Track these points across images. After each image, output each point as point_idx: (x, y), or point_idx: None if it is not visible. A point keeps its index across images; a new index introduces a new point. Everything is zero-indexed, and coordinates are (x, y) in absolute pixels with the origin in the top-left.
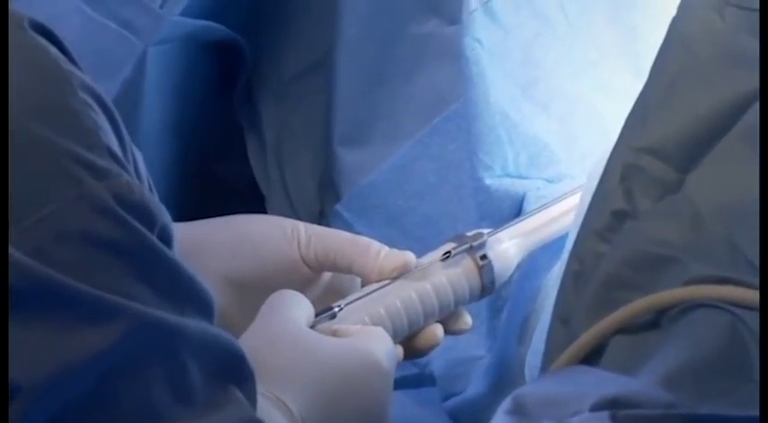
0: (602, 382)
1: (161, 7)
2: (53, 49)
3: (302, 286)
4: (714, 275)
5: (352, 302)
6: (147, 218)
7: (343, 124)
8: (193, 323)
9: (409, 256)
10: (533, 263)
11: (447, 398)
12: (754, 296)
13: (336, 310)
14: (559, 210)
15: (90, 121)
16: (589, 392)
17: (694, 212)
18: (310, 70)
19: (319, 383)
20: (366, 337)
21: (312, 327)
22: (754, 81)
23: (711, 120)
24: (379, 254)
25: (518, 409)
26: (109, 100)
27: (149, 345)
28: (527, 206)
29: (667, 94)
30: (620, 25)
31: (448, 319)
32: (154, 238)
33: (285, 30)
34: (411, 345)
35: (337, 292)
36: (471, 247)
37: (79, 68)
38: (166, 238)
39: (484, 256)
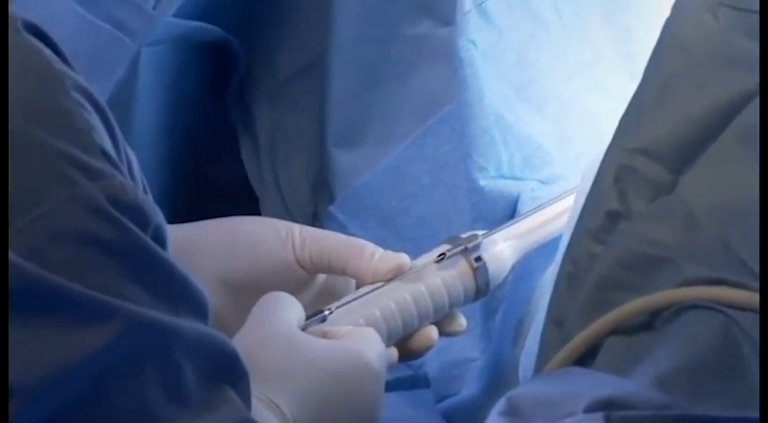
0: (596, 383)
1: (154, 8)
2: (47, 50)
3: (297, 288)
4: (708, 276)
5: (344, 305)
6: (141, 218)
7: (336, 125)
8: (188, 323)
9: (404, 258)
10: (528, 264)
11: (441, 399)
12: (747, 297)
13: (327, 313)
14: (554, 211)
15: (83, 122)
16: (583, 393)
17: (688, 213)
18: (304, 71)
19: (311, 385)
20: (357, 339)
21: (303, 329)
22: (747, 81)
23: (705, 120)
24: (374, 256)
25: (512, 411)
26: (102, 100)
27: (143, 345)
28: (521, 207)
29: (661, 95)
30: (614, 26)
31: (442, 320)
32: (148, 239)
33: (279, 31)
34: (405, 346)
35: (332, 294)
36: (466, 248)
37: (72, 69)
38: (160, 239)
39: (478, 258)
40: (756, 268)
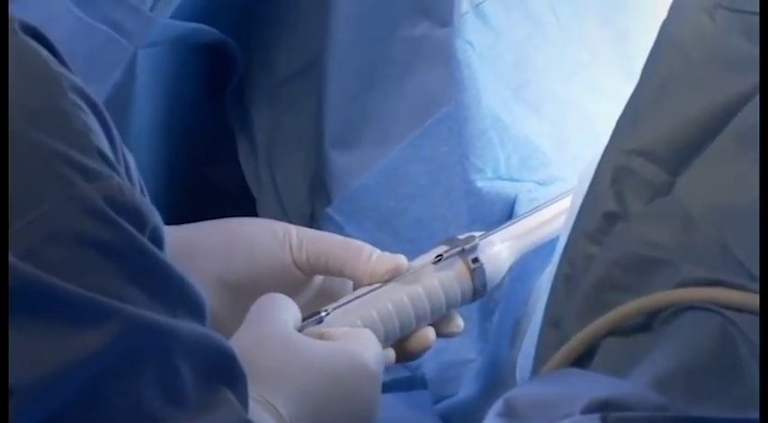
0: (594, 385)
1: (151, 10)
2: (44, 52)
3: (294, 289)
4: (705, 277)
5: (341, 306)
6: (138, 219)
7: (334, 126)
8: (185, 325)
9: (401, 260)
10: (525, 265)
11: (438, 400)
12: (744, 298)
13: (323, 314)
14: (551, 212)
15: (80, 123)
16: (580, 394)
17: (685, 214)
18: (301, 73)
19: (308, 386)
20: (354, 340)
21: (300, 330)
22: (744, 83)
23: (702, 122)
24: (371, 257)
25: (509, 412)
26: (100, 102)
27: (141, 346)
28: (518, 209)
29: (658, 97)
30: (611, 28)
31: (440, 321)
32: (145, 240)
33: (276, 32)
34: (403, 348)
35: (329, 296)
36: (463, 250)
37: (70, 70)
38: (157, 240)
39: (476, 260)
40: (754, 269)
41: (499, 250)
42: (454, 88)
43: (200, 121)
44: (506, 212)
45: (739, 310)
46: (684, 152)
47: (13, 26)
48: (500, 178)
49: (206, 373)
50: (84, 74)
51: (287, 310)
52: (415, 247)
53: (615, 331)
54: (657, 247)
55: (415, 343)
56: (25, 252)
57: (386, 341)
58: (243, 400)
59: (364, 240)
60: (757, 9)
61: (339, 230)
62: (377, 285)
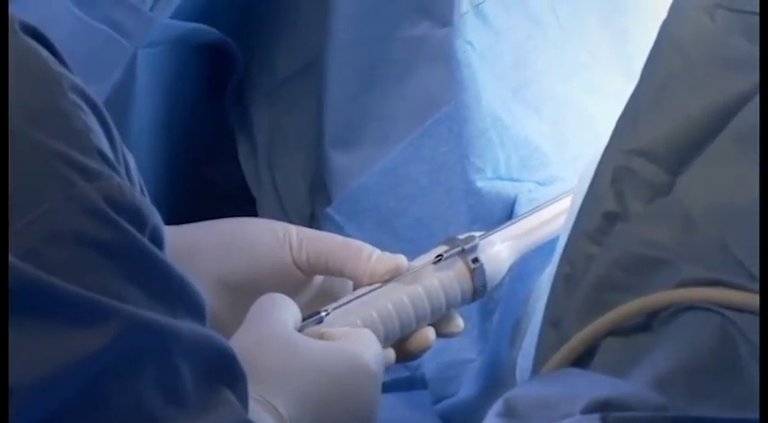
0: (594, 385)
1: (151, 10)
2: (44, 52)
3: (294, 289)
4: (705, 277)
5: (341, 306)
6: (138, 219)
7: (334, 126)
8: (185, 325)
9: (401, 260)
10: (525, 265)
11: (438, 400)
12: (744, 298)
13: (323, 314)
14: (551, 212)
15: (80, 123)
16: (580, 395)
17: (685, 214)
18: (302, 73)
19: (308, 386)
20: (354, 340)
21: (299, 330)
22: (745, 83)
23: (702, 122)
24: (371, 257)
25: (509, 412)
26: (100, 102)
27: (141, 346)
28: (518, 209)
29: (658, 97)
30: (611, 28)
31: (439, 321)
32: (145, 240)
33: (276, 32)
34: (403, 348)
35: (329, 296)
36: (463, 250)
37: (70, 70)
38: (158, 240)
39: (476, 260)
40: (754, 269)
41: (499, 250)
42: (454, 88)
43: (200, 121)
44: (506, 212)
45: (739, 310)
46: (684, 152)
47: (13, 26)
48: (500, 178)
49: (206, 373)
50: (84, 74)
51: (287, 310)
52: (415, 247)
53: (615, 331)
54: (657, 247)
55: (415, 343)
56: (25, 252)
57: (386, 341)
58: (243, 400)
59: (364, 240)
60: (757, 9)
61: (339, 230)
62: (377, 285)
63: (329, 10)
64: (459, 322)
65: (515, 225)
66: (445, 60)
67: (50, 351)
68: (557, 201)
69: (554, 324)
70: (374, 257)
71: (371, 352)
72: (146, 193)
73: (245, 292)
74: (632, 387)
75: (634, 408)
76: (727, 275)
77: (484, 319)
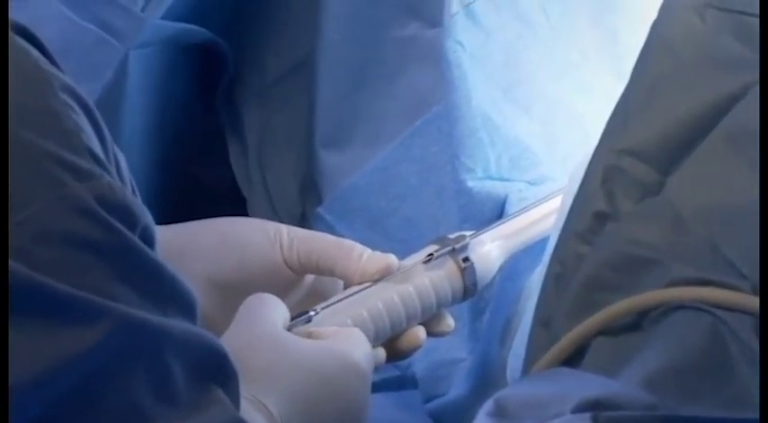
0: (584, 384)
1: (142, 10)
2: (34, 51)
3: (285, 289)
4: (695, 277)
5: (330, 306)
6: (129, 219)
7: (324, 127)
8: (177, 324)
9: (391, 259)
10: (515, 265)
11: (429, 400)
12: (735, 297)
13: (312, 314)
14: (541, 212)
15: (71, 123)
16: (571, 394)
17: (675, 214)
18: (292, 73)
19: (298, 386)
20: (344, 339)
21: (288, 330)
22: (735, 82)
23: (692, 121)
24: (362, 256)
25: (500, 411)
26: (91, 102)
27: (133, 345)
28: (509, 208)
29: (648, 97)
30: (601, 28)
31: (430, 321)
32: (136, 239)
33: (267, 32)
34: (393, 347)
35: (320, 295)
36: (454, 249)
37: (60, 70)
38: (149, 239)
39: (466, 259)
40: (744, 269)
41: (490, 249)
42: (445, 88)
43: (191, 122)
44: (497, 212)
45: (730, 309)
46: (675, 152)
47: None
48: (490, 178)
49: (198, 372)
50: (75, 74)
51: (276, 310)
52: (406, 246)
53: (605, 331)
54: (647, 246)
55: (405, 342)
56: (16, 252)
57: (376, 340)
58: (234, 398)
59: (355, 240)
60: (747, 9)
61: (330, 230)
62: (367, 285)
63: (319, 10)
64: (449, 321)
65: (506, 224)
66: (436, 60)
67: (42, 350)
68: (547, 200)
69: (544, 323)
70: (365, 257)
71: (361, 351)
72: (137, 192)
73: (236, 291)
74: (622, 386)
75: (624, 407)
76: (718, 275)
77: (474, 318)
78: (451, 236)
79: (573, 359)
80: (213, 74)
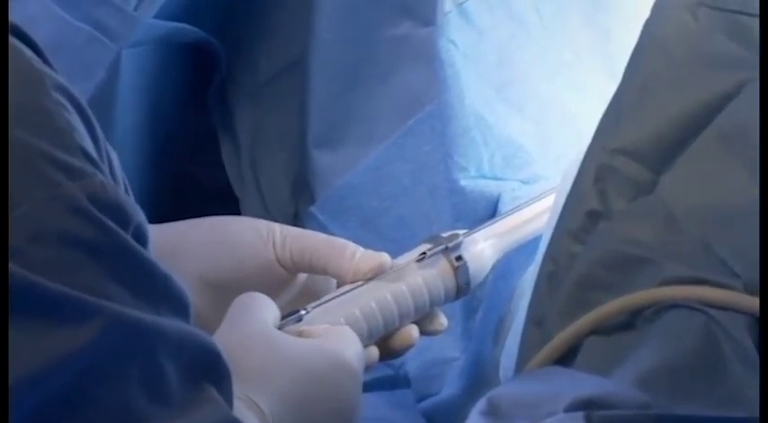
0: (577, 383)
1: (135, 9)
2: (27, 50)
3: (278, 287)
4: (688, 276)
5: (323, 304)
6: (122, 217)
7: (317, 126)
8: (170, 322)
9: (384, 258)
10: (508, 264)
11: (421, 399)
12: (728, 296)
13: (303, 313)
14: (534, 211)
15: (64, 122)
16: (563, 393)
17: (668, 213)
18: (285, 72)
19: (290, 384)
20: (335, 338)
21: (279, 329)
22: (727, 81)
23: (685, 120)
24: (355, 255)
25: (492, 410)
26: (83, 100)
27: (126, 344)
28: (502, 207)
29: (641, 96)
30: (594, 27)
31: (423, 319)
32: (129, 238)
33: (259, 32)
34: (386, 345)
35: (312, 294)
36: (447, 248)
37: (53, 69)
38: (141, 238)
39: (459, 257)
40: (736, 267)
41: (483, 248)
42: (437, 87)
43: (183, 121)
44: (490, 211)
45: (723, 308)
46: (667, 151)
47: None
48: (483, 177)
49: (191, 371)
50: (67, 73)
51: (266, 309)
52: (399, 246)
53: (598, 330)
54: (640, 245)
55: (398, 341)
56: (10, 251)
57: (369, 339)
58: (228, 397)
59: (348, 239)
60: (740, 7)
61: (322, 229)
62: (360, 283)
63: (312, 9)
64: (442, 320)
65: (499, 223)
66: (428, 60)
67: (35, 348)
68: (540, 199)
69: (537, 322)
70: (357, 255)
71: (352, 349)
72: (129, 191)
73: (228, 290)
74: (615, 385)
75: (617, 406)
76: (711, 274)
77: (467, 317)
78: (444, 235)
79: (566, 358)
80: (206, 73)
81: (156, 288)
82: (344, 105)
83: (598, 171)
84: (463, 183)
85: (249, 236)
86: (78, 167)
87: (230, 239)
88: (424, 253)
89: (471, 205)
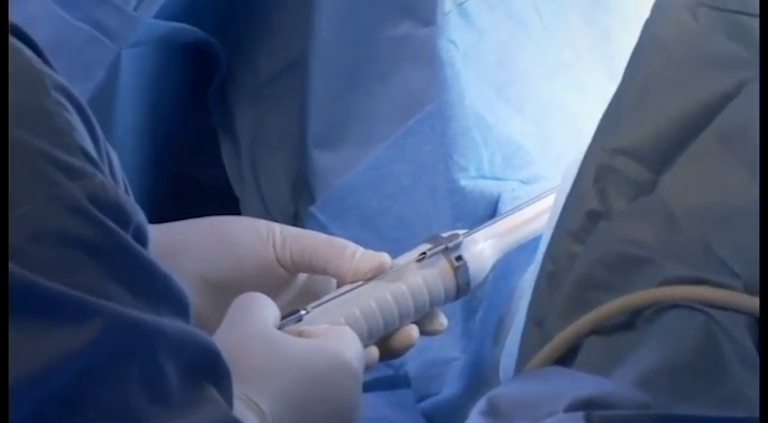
0: (577, 383)
1: (135, 9)
2: (27, 50)
3: (278, 287)
4: (688, 276)
5: (322, 304)
6: (122, 217)
7: (317, 126)
8: (170, 322)
9: (384, 258)
10: (508, 263)
11: (421, 399)
12: (728, 296)
13: (303, 313)
14: (534, 211)
15: (64, 122)
16: (563, 393)
17: (668, 213)
18: (285, 72)
19: (290, 384)
20: (335, 338)
21: (279, 329)
22: (727, 81)
23: (685, 120)
24: (355, 255)
25: (492, 410)
26: (83, 100)
27: (126, 344)
28: (502, 207)
29: (641, 96)
30: (594, 27)
31: (423, 319)
32: (129, 238)
33: (259, 32)
34: (386, 345)
35: (312, 294)
36: (447, 248)
37: (53, 69)
38: (141, 238)
39: (459, 257)
40: (736, 267)
41: (483, 248)
42: (437, 87)
43: (183, 121)
44: (490, 211)
45: (723, 308)
46: (667, 151)
47: None
48: (483, 177)
49: (191, 371)
50: (67, 73)
51: (266, 309)
52: (398, 246)
53: (598, 330)
54: (640, 245)
55: (398, 341)
56: (10, 251)
57: (369, 339)
58: (228, 397)
59: (347, 239)
60: (740, 7)
61: (322, 229)
62: (360, 283)
63: (312, 9)
64: (442, 320)
65: (499, 223)
66: (428, 60)
67: (35, 348)
68: (540, 199)
69: (537, 322)
70: (357, 255)
71: (352, 349)
72: (129, 191)
73: (228, 290)
74: (615, 385)
75: (617, 406)
76: (711, 274)
77: (467, 317)
78: (444, 235)
79: (566, 358)
80: (206, 73)
81: (156, 288)
82: (344, 105)
83: (598, 171)
84: (463, 183)
85: (249, 236)
86: (78, 167)
87: (230, 239)
88: (424, 253)
89: (471, 205)
